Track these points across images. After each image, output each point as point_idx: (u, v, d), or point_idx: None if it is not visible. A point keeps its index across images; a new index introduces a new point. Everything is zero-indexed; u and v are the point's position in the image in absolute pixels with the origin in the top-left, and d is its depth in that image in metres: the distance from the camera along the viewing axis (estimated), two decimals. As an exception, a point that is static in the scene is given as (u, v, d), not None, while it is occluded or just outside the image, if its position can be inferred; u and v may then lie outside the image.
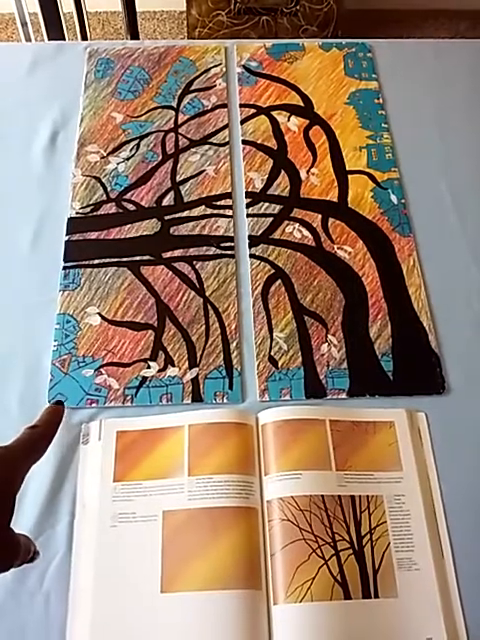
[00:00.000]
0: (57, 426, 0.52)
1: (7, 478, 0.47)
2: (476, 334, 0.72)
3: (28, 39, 1.42)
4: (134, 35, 1.54)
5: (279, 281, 0.75)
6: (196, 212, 0.80)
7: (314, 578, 0.57)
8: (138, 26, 1.64)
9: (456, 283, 0.76)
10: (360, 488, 0.62)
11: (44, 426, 0.51)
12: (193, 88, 0.92)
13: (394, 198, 0.82)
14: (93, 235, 0.78)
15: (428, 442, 0.66)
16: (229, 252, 0.77)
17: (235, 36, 1.87)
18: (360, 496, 0.61)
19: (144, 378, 0.69)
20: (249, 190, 0.82)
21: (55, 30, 1.33)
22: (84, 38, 1.46)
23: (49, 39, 1.35)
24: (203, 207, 0.81)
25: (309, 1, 1.82)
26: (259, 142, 0.87)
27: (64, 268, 0.76)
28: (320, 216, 0.80)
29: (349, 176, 0.84)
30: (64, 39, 1.40)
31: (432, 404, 0.68)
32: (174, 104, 0.90)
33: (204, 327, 0.72)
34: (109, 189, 0.82)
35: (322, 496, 0.60)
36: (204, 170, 0.84)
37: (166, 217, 0.80)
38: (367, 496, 0.61)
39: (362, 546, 0.59)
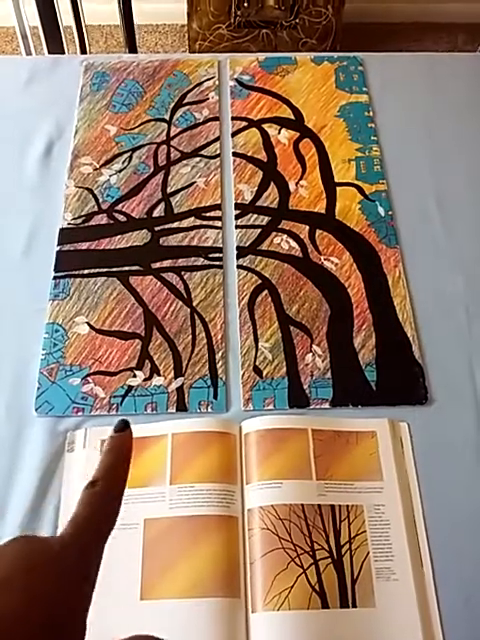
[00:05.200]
0: (126, 466, 0.39)
1: (69, 584, 0.33)
2: (460, 345, 0.73)
3: (28, 52, 1.44)
4: (132, 48, 1.56)
5: (265, 292, 0.76)
6: (186, 223, 0.81)
7: (292, 587, 0.57)
8: (139, 39, 1.67)
9: (441, 294, 0.77)
10: (340, 497, 0.62)
11: (106, 478, 0.38)
12: (186, 101, 0.93)
13: (381, 210, 0.83)
14: (84, 245, 0.80)
15: (410, 452, 0.66)
16: (217, 263, 0.78)
17: (235, 49, 1.89)
18: (340, 505, 0.62)
19: (130, 387, 0.69)
20: (238, 202, 0.84)
21: (55, 43, 1.35)
22: (83, 51, 1.48)
23: (49, 52, 1.37)
24: (193, 218, 0.82)
25: (308, 14, 1.84)
26: (249, 154, 0.88)
27: (54, 278, 0.77)
28: (308, 227, 0.81)
29: (337, 188, 0.85)
30: (64, 52, 1.42)
31: (415, 414, 0.69)
32: (167, 117, 0.91)
33: (190, 337, 0.73)
34: (101, 200, 0.83)
35: (302, 505, 0.61)
36: (194, 182, 0.85)
37: (156, 228, 0.81)
38: (347, 505, 0.62)
39: (341, 555, 0.59)
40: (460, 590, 0.60)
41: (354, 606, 0.57)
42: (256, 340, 0.73)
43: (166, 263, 0.78)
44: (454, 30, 2.15)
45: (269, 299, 0.75)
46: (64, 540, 0.34)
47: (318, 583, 0.58)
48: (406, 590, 0.58)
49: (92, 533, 0.36)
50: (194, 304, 0.75)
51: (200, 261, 0.78)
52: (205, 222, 0.82)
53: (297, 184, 0.85)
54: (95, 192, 0.84)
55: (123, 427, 0.41)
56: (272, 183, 0.85)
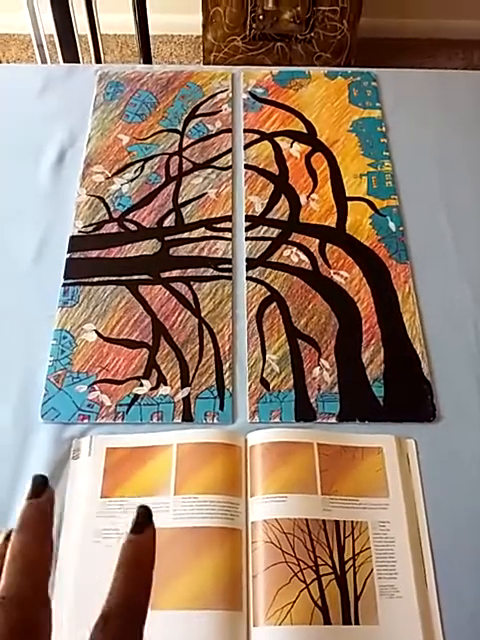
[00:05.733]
0: (148, 587, 0.31)
1: None
2: (469, 362, 0.73)
3: (44, 60, 1.45)
4: (147, 58, 1.57)
5: (274, 304, 0.76)
6: (196, 234, 0.82)
7: (294, 602, 0.57)
8: (154, 49, 1.68)
9: (451, 311, 0.76)
10: (345, 513, 0.62)
11: (123, 611, 0.30)
12: (199, 113, 0.94)
13: (392, 225, 0.83)
14: (94, 253, 0.80)
15: (416, 469, 0.66)
16: (226, 274, 0.78)
17: (250, 61, 1.90)
18: (345, 521, 0.61)
19: (136, 396, 0.69)
20: (249, 214, 0.84)
21: (70, 52, 1.36)
22: (98, 60, 1.49)
23: (64, 61, 1.39)
24: (203, 229, 0.82)
25: (323, 28, 1.85)
26: (261, 167, 0.88)
27: (64, 285, 0.77)
28: (318, 241, 0.81)
29: (348, 202, 0.85)
30: (79, 61, 1.43)
31: (422, 431, 0.68)
32: (180, 128, 0.92)
33: (198, 347, 0.73)
34: (112, 209, 0.84)
35: (306, 520, 0.60)
36: (206, 193, 0.85)
37: (166, 238, 0.81)
38: (352, 521, 0.61)
39: (345, 572, 0.59)
40: (464, 609, 0.59)
41: (357, 623, 0.57)
42: (264, 352, 0.73)
43: (175, 273, 0.78)
44: (470, 47, 2.15)
45: (277, 311, 0.75)
46: None
47: (321, 599, 0.57)
48: (410, 608, 0.58)
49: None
50: (202, 314, 0.75)
51: (209, 272, 0.79)
52: (215, 233, 0.82)
53: (308, 197, 0.85)
54: (106, 201, 0.84)
55: (143, 524, 0.31)
56: (283, 196, 0.85)
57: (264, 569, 0.58)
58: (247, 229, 0.82)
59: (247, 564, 0.59)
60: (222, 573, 0.58)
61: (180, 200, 0.85)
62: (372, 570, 0.59)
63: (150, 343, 0.73)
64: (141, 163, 0.88)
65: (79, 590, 0.58)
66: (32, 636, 0.28)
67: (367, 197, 0.85)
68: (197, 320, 0.75)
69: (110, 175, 0.87)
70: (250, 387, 0.71)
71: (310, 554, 0.59)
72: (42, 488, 0.32)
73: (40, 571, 0.30)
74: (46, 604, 0.30)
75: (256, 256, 0.80)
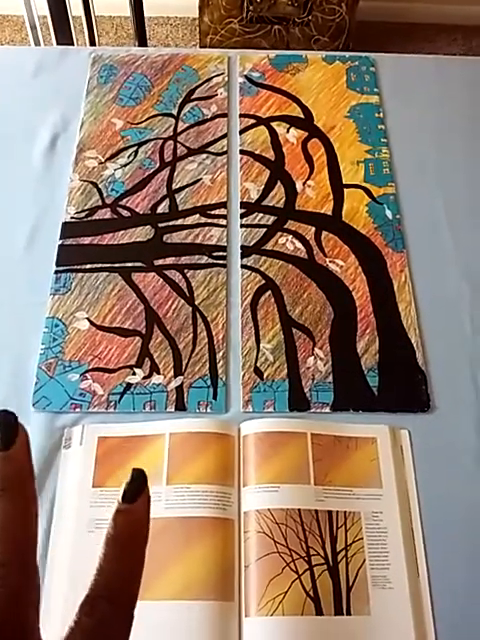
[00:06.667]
0: (140, 566, 0.28)
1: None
2: (464, 353, 0.72)
3: (37, 42, 1.43)
4: (142, 40, 1.55)
5: (269, 292, 0.75)
6: (190, 220, 0.81)
7: (286, 592, 0.56)
8: (149, 31, 1.66)
9: (447, 301, 0.76)
10: (338, 503, 0.61)
11: (112, 594, 0.28)
12: (194, 97, 0.92)
13: (389, 213, 0.82)
14: (86, 240, 0.79)
15: (410, 460, 0.65)
16: (221, 262, 0.78)
17: (247, 44, 1.88)
18: (337, 511, 0.61)
19: (129, 385, 0.69)
20: (244, 200, 0.83)
21: (64, 34, 1.34)
22: (92, 42, 1.47)
23: (57, 43, 1.36)
24: (197, 216, 0.81)
25: (321, 11, 1.83)
26: (257, 153, 0.87)
27: (56, 272, 0.76)
28: (314, 229, 0.80)
29: (345, 190, 0.84)
30: (73, 43, 1.41)
31: (416, 422, 0.68)
32: (174, 112, 0.90)
33: (191, 336, 0.72)
34: (105, 195, 0.83)
35: (299, 510, 0.60)
36: (200, 179, 0.84)
37: (160, 224, 0.80)
38: (344, 512, 0.61)
39: (337, 562, 0.59)
40: (456, 599, 0.59)
41: (348, 613, 0.57)
42: (258, 341, 0.72)
43: (169, 260, 0.77)
44: (469, 32, 2.13)
45: (272, 300, 0.75)
46: None
47: (313, 589, 0.57)
48: (401, 598, 0.58)
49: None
50: (196, 303, 0.74)
51: (204, 259, 0.78)
52: (210, 220, 0.81)
53: (304, 184, 0.84)
54: (99, 186, 0.83)
55: (136, 492, 0.27)
56: (279, 182, 0.84)
57: (256, 559, 0.58)
58: (242, 216, 0.81)
59: (239, 554, 0.59)
60: (214, 563, 0.58)
61: (174, 186, 0.83)
62: (364, 560, 0.59)
63: (143, 331, 0.72)
64: (135, 148, 0.87)
65: (72, 581, 0.57)
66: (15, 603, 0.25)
67: (364, 184, 0.84)
68: (191, 308, 0.74)
69: (103, 160, 0.86)
70: (244, 376, 0.70)
71: (302, 544, 0.59)
72: (12, 434, 0.26)
73: (22, 535, 0.26)
74: (29, 570, 0.26)
75: (251, 244, 0.79)
